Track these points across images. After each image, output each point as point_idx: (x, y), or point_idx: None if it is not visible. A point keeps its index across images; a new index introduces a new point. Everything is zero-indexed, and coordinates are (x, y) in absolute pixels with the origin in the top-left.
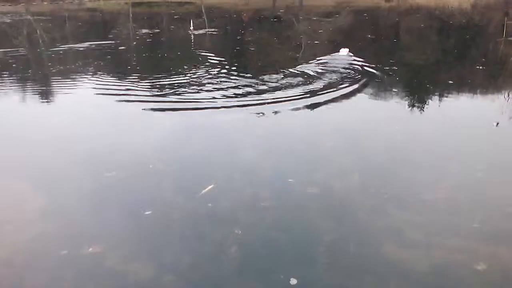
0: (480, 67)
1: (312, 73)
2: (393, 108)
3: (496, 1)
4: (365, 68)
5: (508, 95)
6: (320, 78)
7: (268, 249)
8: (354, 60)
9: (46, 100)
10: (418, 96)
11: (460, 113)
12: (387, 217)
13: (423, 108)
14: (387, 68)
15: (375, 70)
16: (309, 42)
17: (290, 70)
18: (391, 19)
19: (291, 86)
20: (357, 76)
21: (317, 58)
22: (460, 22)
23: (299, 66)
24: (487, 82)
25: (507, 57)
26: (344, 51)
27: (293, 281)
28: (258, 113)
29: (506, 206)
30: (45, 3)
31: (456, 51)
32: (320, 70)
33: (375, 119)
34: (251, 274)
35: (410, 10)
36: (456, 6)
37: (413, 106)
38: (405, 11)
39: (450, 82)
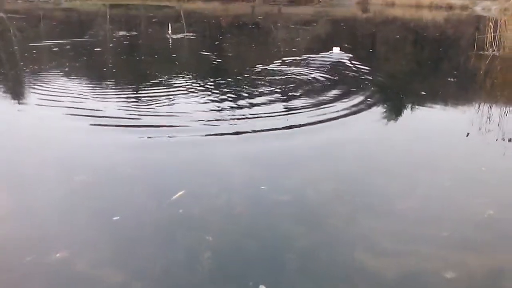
0: (452, 79)
1: (290, 76)
2: (366, 117)
3: (468, 16)
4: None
5: (479, 107)
6: (297, 83)
7: (239, 256)
8: (343, 59)
9: (17, 101)
10: (391, 106)
11: (431, 123)
12: (359, 226)
13: (396, 118)
14: (362, 77)
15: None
16: (287, 49)
17: (268, 74)
18: (367, 29)
19: (269, 93)
20: (335, 83)
21: (305, 57)
22: (433, 34)
23: (278, 68)
24: (458, 94)
25: (478, 70)
26: (336, 50)
27: None
28: (233, 124)
29: (474, 215)
30: (20, 1)
31: (429, 63)
32: (300, 72)
33: (348, 128)
34: (219, 280)
35: (386, 21)
36: (430, 19)
37: (386, 115)
38: (381, 22)
39: (423, 93)
